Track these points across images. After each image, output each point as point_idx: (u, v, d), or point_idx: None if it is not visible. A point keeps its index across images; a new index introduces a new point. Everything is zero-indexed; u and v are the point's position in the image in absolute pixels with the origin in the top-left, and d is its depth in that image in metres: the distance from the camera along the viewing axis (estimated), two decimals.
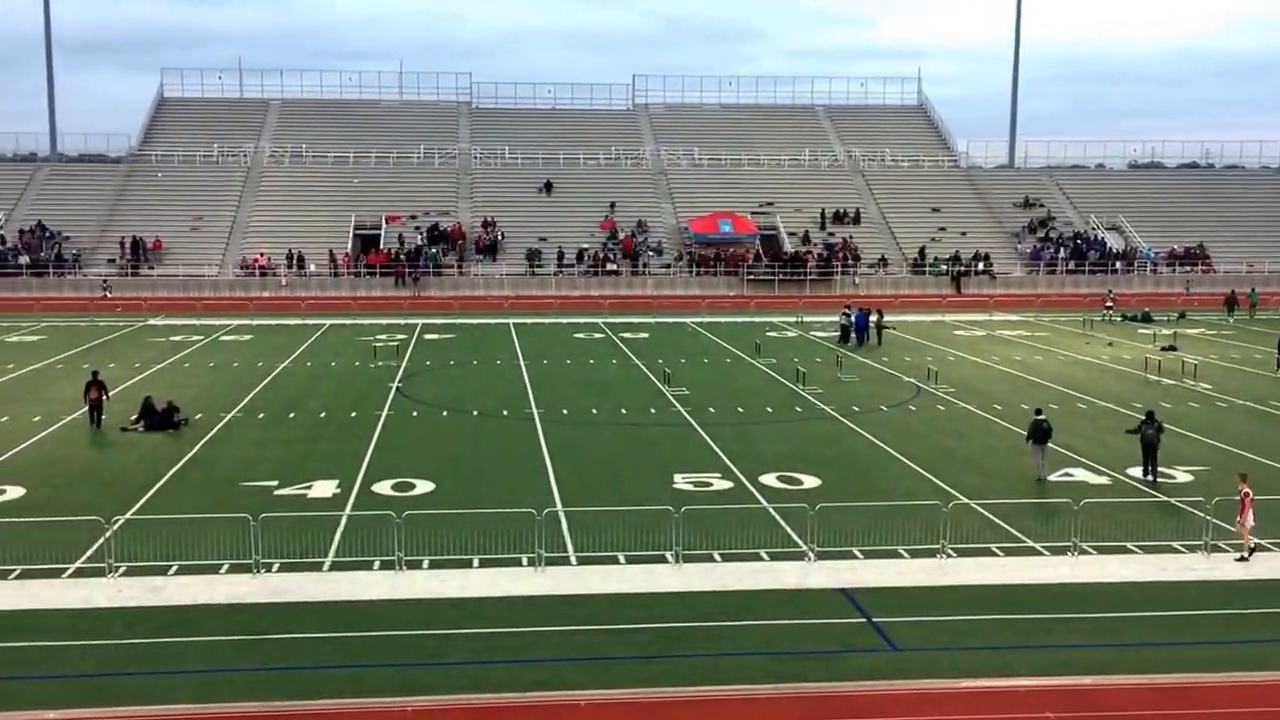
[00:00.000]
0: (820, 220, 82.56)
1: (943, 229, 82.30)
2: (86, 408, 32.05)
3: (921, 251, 78.99)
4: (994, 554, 21.08)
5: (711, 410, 34.51)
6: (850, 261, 77.59)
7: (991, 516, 23.13)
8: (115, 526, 20.89)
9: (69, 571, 19.65)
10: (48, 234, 75.94)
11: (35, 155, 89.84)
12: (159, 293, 69.96)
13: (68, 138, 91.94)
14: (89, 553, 20.27)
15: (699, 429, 31.84)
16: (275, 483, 25.64)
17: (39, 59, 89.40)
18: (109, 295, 68.72)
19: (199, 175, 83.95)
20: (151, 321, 58.29)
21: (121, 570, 19.56)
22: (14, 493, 24.75)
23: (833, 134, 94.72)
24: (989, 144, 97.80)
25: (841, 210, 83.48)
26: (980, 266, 78.05)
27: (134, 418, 31.49)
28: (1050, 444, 26.73)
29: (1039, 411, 27.51)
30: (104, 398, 32.07)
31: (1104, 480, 26.32)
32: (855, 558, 20.63)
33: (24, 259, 73.47)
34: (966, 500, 24.06)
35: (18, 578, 19.32)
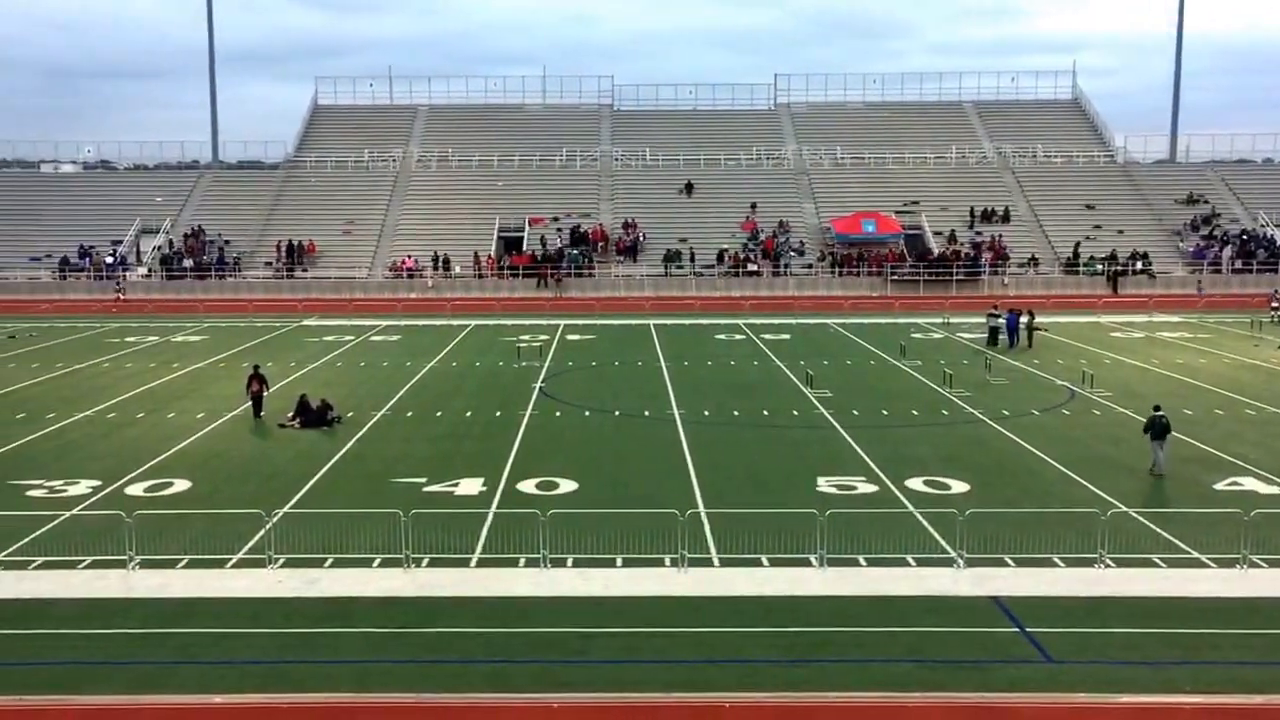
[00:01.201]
0: (968, 219, 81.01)
1: (1098, 227, 79.97)
2: (249, 400, 33.81)
3: (1075, 250, 76.87)
4: (1155, 565, 20.37)
5: (855, 412, 34.12)
6: (999, 261, 75.92)
7: (1152, 525, 22.36)
8: (275, 520, 21.58)
9: (232, 562, 20.38)
10: (209, 238, 78.91)
11: (198, 163, 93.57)
12: (312, 294, 72.15)
13: (228, 146, 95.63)
14: (250, 544, 21.01)
15: (842, 431, 31.50)
16: (424, 480, 26.19)
17: (203, 71, 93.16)
18: (122, 297, 71.09)
19: (350, 180, 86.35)
20: (306, 322, 60.13)
21: (280, 562, 20.21)
22: (181, 485, 25.78)
23: (981, 130, 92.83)
24: (1148, 138, 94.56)
25: (990, 208, 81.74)
26: (1138, 266, 75.59)
27: (290, 415, 32.51)
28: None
29: (1157, 408, 26.91)
30: (264, 390, 33.82)
31: (1275, 490, 25.22)
32: (1006, 565, 20.15)
33: (187, 262, 76.52)
34: (1125, 508, 23.29)
35: (185, 566, 20.13)
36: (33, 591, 19.02)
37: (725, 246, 77.75)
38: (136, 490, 25.34)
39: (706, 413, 34.32)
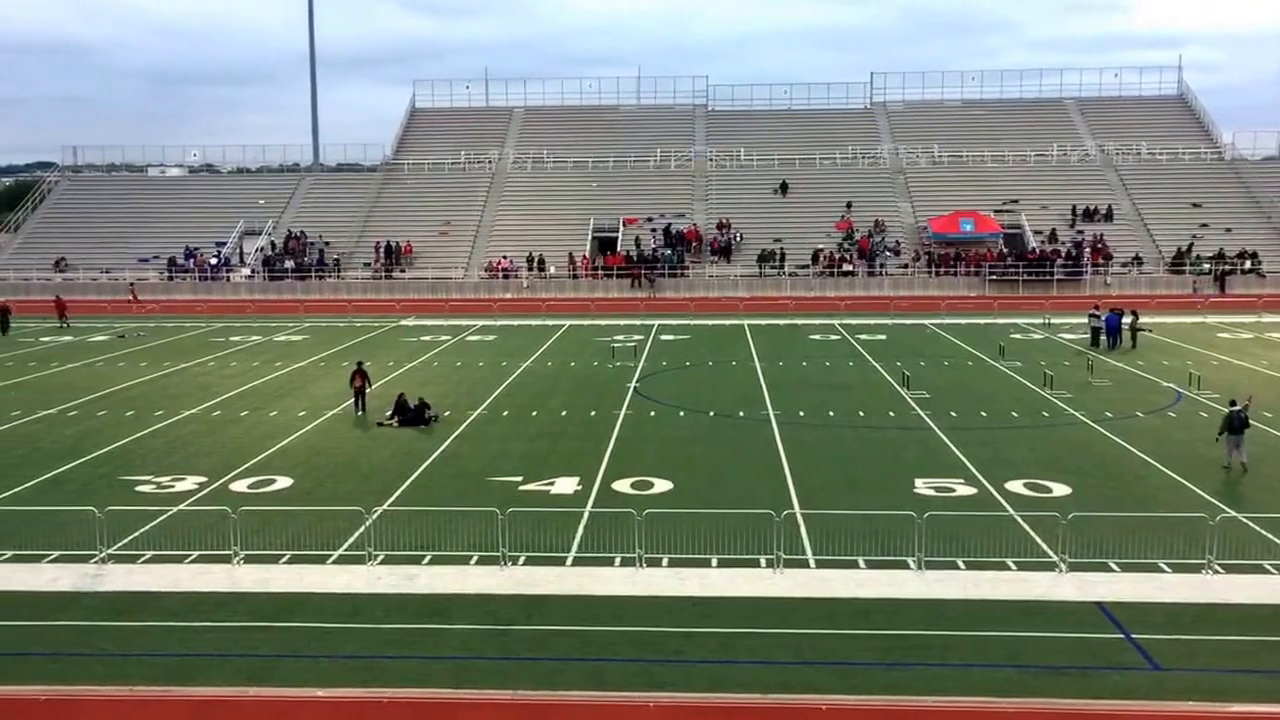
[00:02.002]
0: (1069, 218, 79.50)
1: (1205, 225, 77.93)
2: (352, 395, 34.92)
3: (1180, 250, 74.99)
4: (1268, 571, 19.77)
5: (953, 414, 33.65)
6: (1102, 261, 74.36)
7: (1264, 531, 21.71)
8: (374, 517, 21.90)
9: (332, 558, 20.73)
10: (309, 240, 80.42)
11: (298, 166, 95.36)
12: (410, 295, 73.15)
13: (328, 149, 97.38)
14: (350, 541, 21.35)
15: (940, 433, 31.09)
16: (520, 478, 26.39)
17: (304, 76, 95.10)
18: (137, 298, 72.25)
19: (447, 182, 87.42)
20: (403, 322, 60.97)
21: (380, 558, 20.51)
22: (283, 482, 26.30)
23: (1083, 127, 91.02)
24: (1257, 134, 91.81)
25: (1092, 207, 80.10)
26: (1247, 265, 73.49)
27: (389, 414, 32.98)
28: None
29: (1234, 403, 26.64)
30: (367, 386, 34.91)
31: None
32: (1110, 570, 19.71)
33: (289, 263, 78.09)
34: (1234, 513, 22.64)
35: (287, 562, 20.52)
36: (142, 584, 19.53)
37: (820, 246, 77.24)
38: (240, 486, 25.90)
39: (801, 413, 34.10)
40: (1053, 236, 77.26)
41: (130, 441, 30.87)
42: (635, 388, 38.88)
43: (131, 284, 74.74)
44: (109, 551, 20.82)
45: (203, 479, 26.53)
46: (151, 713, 14.78)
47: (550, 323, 59.27)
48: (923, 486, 25.37)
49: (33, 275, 78.11)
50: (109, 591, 19.21)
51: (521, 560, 20.35)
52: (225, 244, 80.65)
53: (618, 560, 20.36)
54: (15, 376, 42.60)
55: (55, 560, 20.65)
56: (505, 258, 77.41)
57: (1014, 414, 33.79)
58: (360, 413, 34.35)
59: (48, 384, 40.81)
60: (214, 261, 78.53)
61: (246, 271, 78.79)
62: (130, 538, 21.75)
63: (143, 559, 20.79)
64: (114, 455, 29.27)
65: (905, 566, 19.89)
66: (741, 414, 34.25)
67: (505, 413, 34.63)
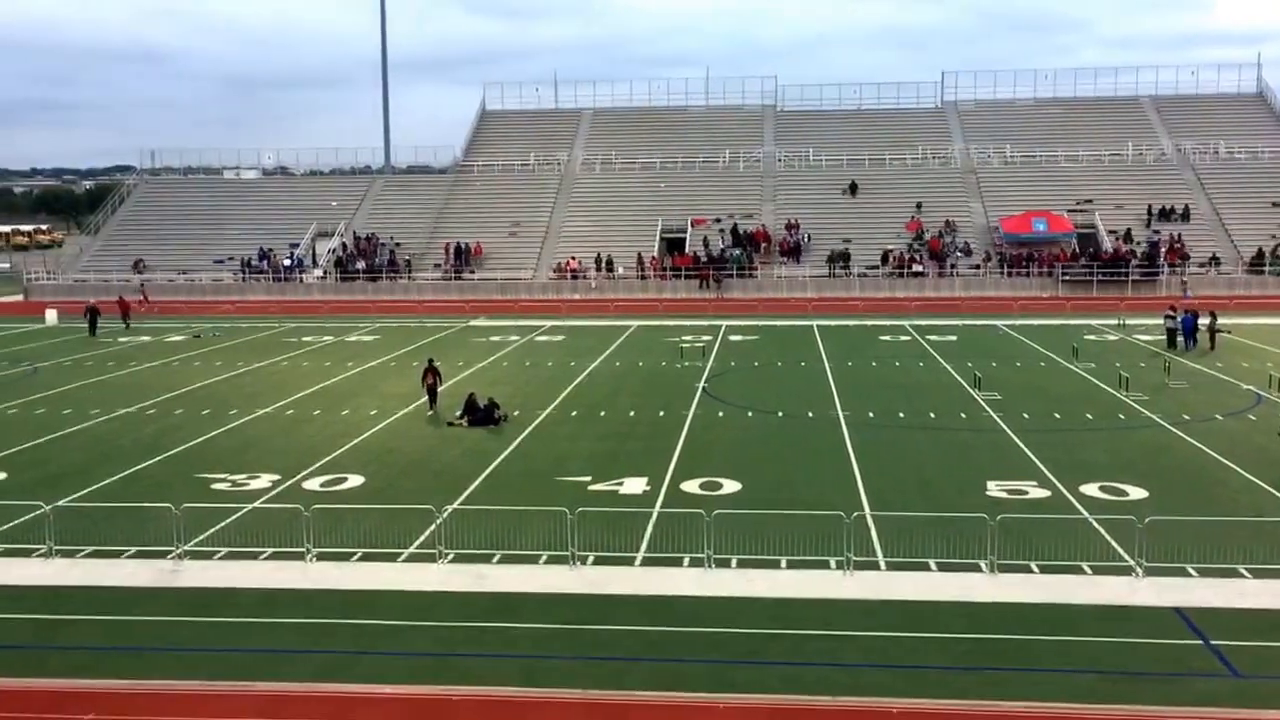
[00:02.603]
0: (1145, 217, 78.13)
1: None
2: (424, 392, 35.54)
3: (1262, 250, 73.39)
4: None
5: (1026, 416, 33.20)
6: (1178, 261, 72.99)
7: None
8: (444, 515, 22.06)
9: (404, 556, 20.91)
10: (381, 241, 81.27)
11: (370, 168, 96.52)
12: (479, 295, 73.67)
13: (399, 151, 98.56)
14: (421, 539, 21.52)
15: (1012, 435, 30.69)
16: (589, 478, 26.45)
17: (376, 79, 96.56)
18: (146, 299, 73.00)
19: (517, 183, 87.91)
20: (473, 323, 61.41)
21: (450, 557, 20.65)
22: (355, 481, 26.59)
23: (1159, 126, 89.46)
24: None
25: (1168, 206, 78.67)
26: None
27: (459, 413, 33.23)
28: None
29: None
30: (438, 383, 35.58)
31: None
32: (1189, 575, 19.31)
33: (360, 264, 78.98)
34: None
35: (359, 560, 20.74)
36: (217, 580, 19.84)
37: (890, 247, 76.65)
38: (313, 485, 26.21)
39: (871, 414, 33.84)
40: (1128, 236, 75.98)
41: (206, 440, 31.38)
42: (704, 388, 38.81)
43: (142, 285, 76.26)
44: (185, 548, 21.17)
45: (276, 477, 26.90)
46: (227, 707, 15.00)
47: (618, 323, 59.37)
48: (995, 489, 25.05)
49: (113, 276, 79.68)
50: (185, 587, 19.54)
51: (590, 560, 20.39)
52: (298, 245, 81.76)
53: (686, 561, 20.33)
54: (95, 375, 43.49)
55: (134, 556, 21.04)
56: (574, 258, 77.68)
57: (1088, 416, 33.27)
58: (433, 409, 34.85)
59: (126, 383, 41.63)
60: (287, 263, 79.63)
61: (319, 272, 79.79)
62: (206, 534, 22.09)
63: (218, 555, 21.11)
64: (190, 453, 29.77)
65: (977, 570, 19.64)
66: (810, 415, 34.06)
67: (574, 413, 34.73)
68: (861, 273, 74.93)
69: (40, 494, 24.54)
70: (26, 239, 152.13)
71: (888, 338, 52.43)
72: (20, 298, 79.09)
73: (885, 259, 75.52)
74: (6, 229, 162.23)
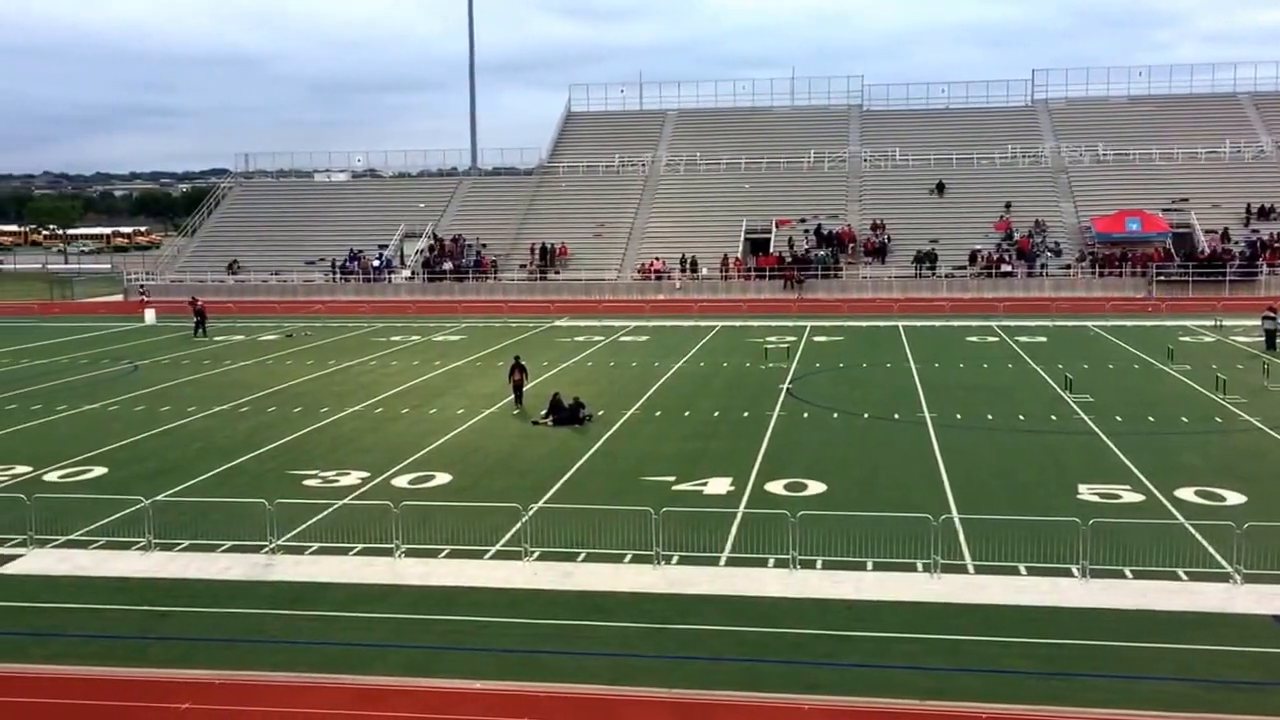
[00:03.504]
0: (1243, 216, 76.26)
1: None
2: (511, 388, 36.33)
3: None
4: None
5: (1118, 419, 32.61)
6: (1278, 261, 71.12)
7: None
8: (530, 513, 22.26)
9: (490, 553, 21.14)
10: (467, 242, 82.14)
11: (456, 170, 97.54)
12: (564, 296, 74.12)
13: (486, 153, 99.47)
14: (507, 537, 21.74)
15: (1104, 438, 30.16)
16: (673, 478, 26.50)
17: (463, 82, 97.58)
18: (147, 299, 74.44)
19: (601, 185, 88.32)
20: (557, 323, 61.81)
21: (536, 555, 20.83)
22: (442, 478, 26.93)
23: (1259, 123, 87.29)
24: None
25: (1268, 205, 76.71)
26: None
27: (544, 412, 33.49)
28: None
29: None
30: (525, 380, 36.28)
31: None
32: None
33: (447, 265, 79.90)
34: None
35: (446, 556, 21.01)
36: (309, 575, 20.22)
37: (978, 247, 75.71)
38: (402, 482, 26.60)
39: (958, 416, 33.47)
40: (1225, 236, 74.23)
41: (298, 437, 31.98)
42: (788, 389, 38.68)
43: (142, 287, 78.30)
44: (278, 542, 21.61)
45: (366, 474, 27.34)
46: (319, 699, 15.29)
47: (702, 324, 59.36)
48: (1087, 492, 24.65)
49: (208, 277, 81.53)
50: (279, 581, 19.94)
51: (675, 560, 20.44)
52: (387, 246, 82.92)
53: (771, 562, 20.30)
54: (191, 373, 44.54)
55: (229, 550, 21.53)
56: (658, 259, 77.83)
57: (1183, 419, 32.59)
58: (519, 406, 35.38)
59: (221, 381, 42.57)
60: (376, 263, 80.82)
61: (407, 273, 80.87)
62: (298, 530, 22.52)
63: (310, 550, 21.51)
64: (283, 450, 30.37)
65: (1068, 574, 19.35)
66: (897, 416, 33.78)
67: (658, 413, 34.82)
68: (948, 273, 74.10)
69: (140, 488, 25.23)
70: (126, 240, 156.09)
71: (975, 339, 51.79)
72: (120, 297, 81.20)
73: (973, 259, 74.60)
74: (107, 231, 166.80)
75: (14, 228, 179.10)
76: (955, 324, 57.72)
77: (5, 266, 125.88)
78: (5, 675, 16.15)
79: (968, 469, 27.08)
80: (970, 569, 19.88)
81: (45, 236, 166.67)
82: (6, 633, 17.77)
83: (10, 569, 20.74)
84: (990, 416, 33.40)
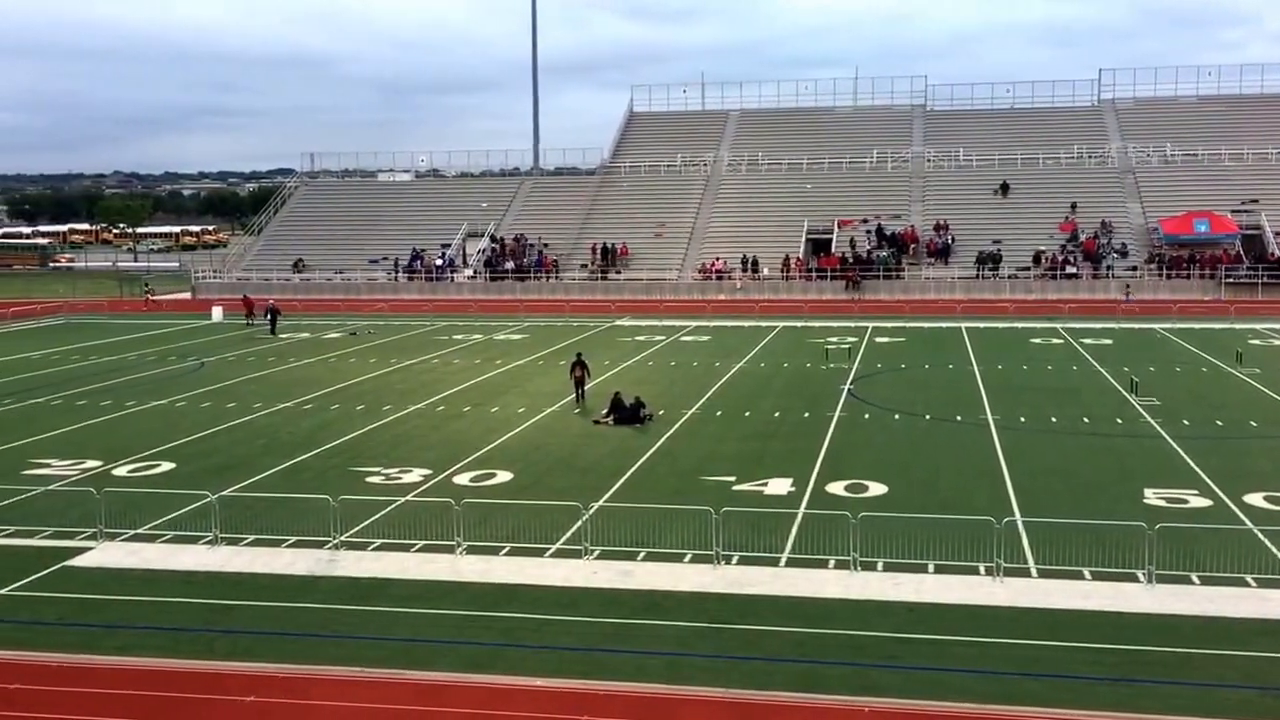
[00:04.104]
0: None
1: None
2: (572, 386, 36.75)
3: None
4: None
5: (1186, 422, 32.10)
6: None
7: None
8: (590, 512, 22.33)
9: (550, 551, 21.24)
10: (529, 241, 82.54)
11: (519, 170, 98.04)
12: (625, 295, 74.23)
13: (548, 153, 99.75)
14: (567, 535, 21.82)
15: (1171, 441, 29.71)
16: (733, 478, 26.48)
17: (525, 83, 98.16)
18: (152, 298, 75.63)
19: (663, 185, 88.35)
20: (618, 322, 61.92)
21: (596, 553, 20.90)
22: (503, 476, 27.10)
23: None
24: None
25: None
26: None
27: (605, 412, 33.57)
28: None
29: None
30: (586, 377, 36.78)
31: None
32: None
33: (509, 264, 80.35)
34: None
35: (507, 554, 21.14)
36: (371, 571, 20.44)
37: (1042, 248, 74.87)
38: (463, 479, 26.79)
39: (1022, 419, 33.12)
40: None
41: (361, 434, 32.32)
42: (849, 390, 38.48)
43: (147, 285, 79.77)
44: (342, 538, 21.86)
45: (428, 471, 27.57)
46: (382, 694, 15.45)
47: (763, 324, 59.20)
48: (1153, 497, 24.31)
49: (273, 275, 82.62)
50: (341, 576, 20.17)
51: (735, 560, 20.42)
52: (449, 246, 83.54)
53: (831, 563, 20.22)
54: (256, 370, 45.16)
55: (293, 545, 21.81)
56: (719, 259, 77.73)
57: (1253, 423, 32.02)
58: (580, 403, 35.73)
59: (285, 378, 43.13)
60: (438, 263, 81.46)
61: (469, 272, 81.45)
62: (361, 526, 22.77)
63: (372, 546, 21.74)
64: (346, 447, 30.71)
65: (1134, 579, 19.09)
66: (959, 418, 33.49)
67: (718, 413, 34.78)
68: (1012, 274, 73.33)
69: (206, 484, 25.64)
70: (194, 239, 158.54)
71: (1039, 341, 51.21)
72: (189, 295, 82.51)
73: (1037, 260, 73.78)
74: (176, 229, 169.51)
75: (86, 226, 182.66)
76: (1019, 326, 57.09)
77: (77, 264, 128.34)
78: (76, 666, 16.49)
79: (1031, 471, 26.79)
80: (1033, 573, 19.67)
81: (115, 235, 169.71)
82: (77, 624, 18.14)
83: (81, 561, 21.16)
84: (1054, 419, 33.02)
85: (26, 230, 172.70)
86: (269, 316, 58.41)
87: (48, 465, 28.72)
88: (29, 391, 40.36)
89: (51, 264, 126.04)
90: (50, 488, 26.29)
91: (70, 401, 38.30)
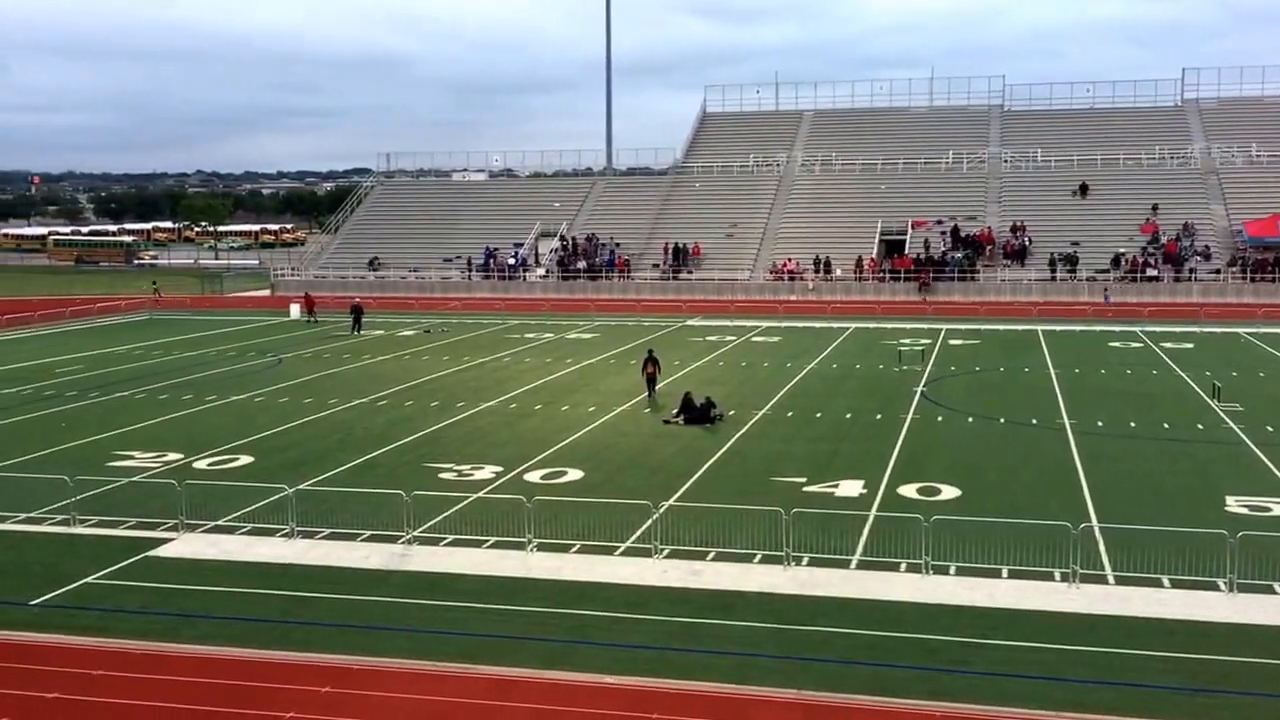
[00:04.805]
0: None
1: None
2: (644, 381, 37.40)
3: None
4: None
5: (1270, 428, 31.42)
6: None
7: None
8: (660, 511, 22.37)
9: (620, 550, 21.31)
10: (601, 241, 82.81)
11: (591, 170, 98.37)
12: (696, 295, 74.21)
13: (620, 153, 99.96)
14: (637, 534, 21.87)
15: (1255, 448, 29.09)
16: (804, 479, 26.37)
17: (598, 84, 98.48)
18: (160, 295, 76.04)
19: (735, 185, 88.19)
20: (689, 322, 61.91)
21: (665, 552, 20.94)
22: (574, 475, 27.24)
23: None
24: None
25: None
26: None
27: (675, 411, 33.60)
28: None
29: None
30: (658, 374, 37.28)
31: None
32: None
33: (581, 263, 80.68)
34: None
35: (578, 552, 21.24)
36: (443, 566, 20.64)
37: (1122, 250, 73.63)
38: (534, 477, 26.97)
39: (1100, 423, 32.62)
40: None
41: (434, 430, 32.65)
42: (922, 392, 38.14)
43: (154, 282, 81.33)
44: (414, 533, 22.11)
45: (499, 468, 27.79)
46: (456, 688, 15.61)
47: (835, 325, 58.86)
48: (1235, 504, 23.82)
49: (349, 273, 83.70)
50: (414, 571, 20.40)
51: (805, 561, 20.35)
52: (522, 245, 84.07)
53: (903, 566, 20.07)
54: (332, 367, 45.79)
55: (367, 539, 22.10)
56: (791, 259, 77.43)
57: None
58: (652, 399, 36.16)
59: (361, 374, 43.69)
60: (511, 261, 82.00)
61: (541, 271, 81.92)
62: (433, 521, 23.00)
63: (444, 542, 21.96)
64: (419, 443, 31.04)
65: (1214, 588, 18.73)
66: (1034, 422, 33.06)
67: (789, 413, 34.66)
68: (1090, 276, 72.21)
69: (284, 477, 26.06)
70: (273, 237, 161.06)
71: (1118, 344, 50.38)
72: (268, 292, 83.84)
73: (1116, 262, 72.58)
74: (255, 228, 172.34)
75: (169, 224, 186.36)
76: (1097, 329, 56.21)
77: (160, 262, 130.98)
78: (157, 654, 16.86)
79: (1109, 477, 26.38)
80: (1110, 579, 19.38)
81: (197, 233, 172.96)
82: (159, 613, 18.54)
83: (162, 552, 21.62)
84: (1133, 424, 32.49)
85: (113, 228, 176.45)
86: (353, 315, 58.77)
87: (131, 457, 29.37)
88: (114, 385, 41.30)
89: (136, 261, 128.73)
90: (133, 479, 26.90)
91: (153, 395, 39.13)
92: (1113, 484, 25.78)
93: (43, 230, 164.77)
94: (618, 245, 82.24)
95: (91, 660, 16.60)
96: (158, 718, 14.90)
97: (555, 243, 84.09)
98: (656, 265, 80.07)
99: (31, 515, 23.88)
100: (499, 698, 15.31)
